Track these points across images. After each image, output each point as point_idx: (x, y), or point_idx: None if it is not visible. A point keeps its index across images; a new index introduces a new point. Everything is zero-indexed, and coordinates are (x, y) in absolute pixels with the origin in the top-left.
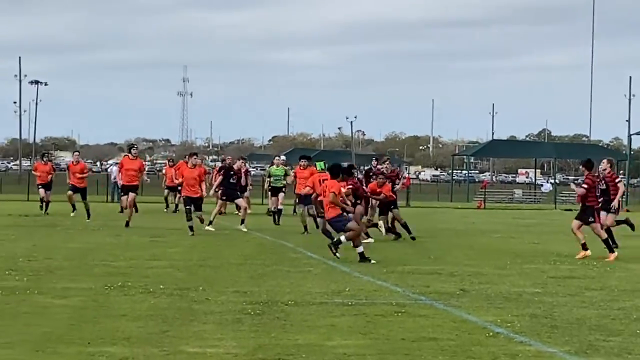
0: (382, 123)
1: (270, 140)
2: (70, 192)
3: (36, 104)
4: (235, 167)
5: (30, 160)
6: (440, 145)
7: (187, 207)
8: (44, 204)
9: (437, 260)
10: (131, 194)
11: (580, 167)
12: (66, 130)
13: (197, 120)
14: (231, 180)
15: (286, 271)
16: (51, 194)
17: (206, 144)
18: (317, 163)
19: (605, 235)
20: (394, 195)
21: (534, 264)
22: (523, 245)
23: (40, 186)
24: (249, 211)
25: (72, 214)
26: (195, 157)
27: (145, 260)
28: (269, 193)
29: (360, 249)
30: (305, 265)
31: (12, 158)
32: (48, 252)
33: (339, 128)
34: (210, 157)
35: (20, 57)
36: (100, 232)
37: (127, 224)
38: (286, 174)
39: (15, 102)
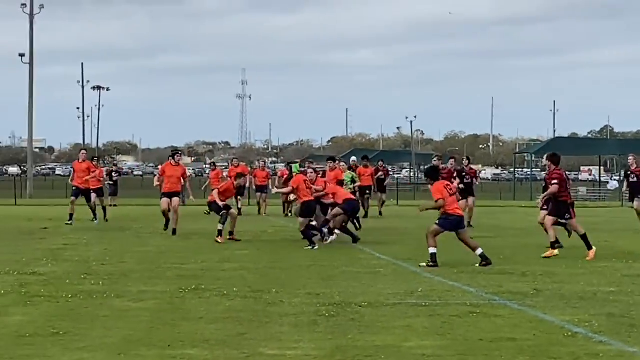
0: (441, 122)
1: (329, 142)
2: (73, 198)
3: (99, 109)
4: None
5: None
6: (501, 144)
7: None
8: (102, 209)
9: (507, 260)
10: (175, 200)
11: (544, 160)
12: (128, 134)
13: (256, 123)
14: None
15: (356, 272)
16: (104, 199)
17: (265, 146)
18: (292, 165)
19: (583, 231)
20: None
21: (606, 262)
22: (593, 243)
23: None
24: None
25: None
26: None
27: (216, 263)
28: None
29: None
30: (374, 266)
31: None
32: (120, 256)
33: (398, 128)
34: (270, 159)
35: (82, 63)
36: (169, 236)
37: (174, 232)
38: (353, 180)
39: (78, 108)
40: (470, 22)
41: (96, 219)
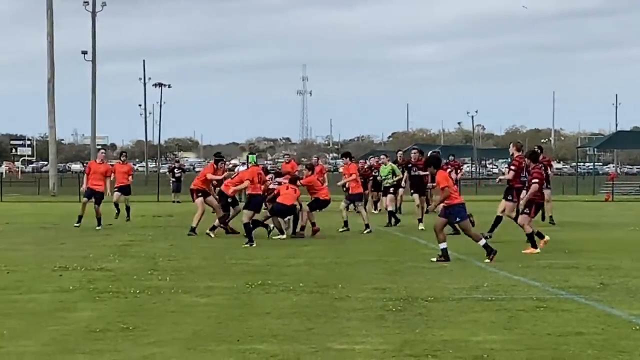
0: (502, 117)
1: (389, 137)
2: (85, 199)
3: (160, 106)
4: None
5: (156, 162)
6: (562, 138)
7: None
8: (123, 209)
9: (572, 254)
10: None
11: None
12: (189, 131)
13: (317, 119)
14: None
15: (421, 267)
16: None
17: (326, 142)
18: (249, 156)
19: (530, 230)
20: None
21: None
22: None
23: (117, 189)
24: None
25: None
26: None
27: (281, 258)
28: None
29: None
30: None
31: (137, 160)
32: (185, 252)
33: (459, 123)
34: (331, 155)
35: (144, 60)
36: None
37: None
38: (394, 172)
39: (140, 105)
40: (532, 15)
41: (100, 225)
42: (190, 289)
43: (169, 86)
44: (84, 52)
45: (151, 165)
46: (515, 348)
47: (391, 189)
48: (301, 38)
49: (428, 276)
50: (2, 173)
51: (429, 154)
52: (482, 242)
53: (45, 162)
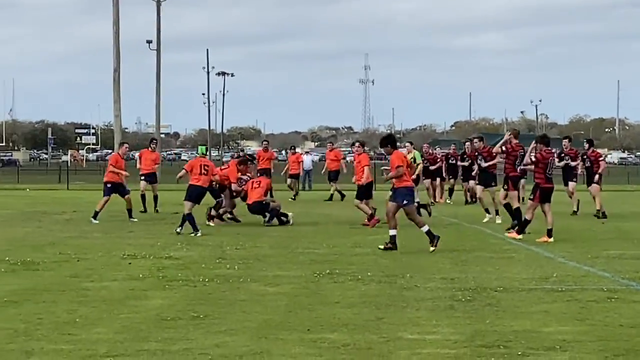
0: (566, 106)
1: (452, 126)
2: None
3: (223, 94)
4: None
5: (219, 151)
6: (627, 127)
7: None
8: (150, 198)
9: None
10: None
11: (507, 135)
12: (251, 119)
13: (379, 107)
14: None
15: (489, 257)
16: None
17: (388, 131)
18: (199, 147)
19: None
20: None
21: None
22: None
23: (142, 177)
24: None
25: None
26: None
27: (348, 247)
28: None
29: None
30: (507, 251)
31: None
32: (253, 241)
33: (522, 112)
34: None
35: (207, 50)
36: (301, 221)
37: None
38: (414, 160)
39: (203, 94)
40: (597, 4)
41: (132, 216)
42: (258, 278)
43: (232, 75)
44: (149, 42)
45: (214, 154)
46: (587, 339)
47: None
48: (364, 27)
49: (496, 266)
50: (67, 161)
51: (476, 138)
52: (425, 228)
53: (110, 150)
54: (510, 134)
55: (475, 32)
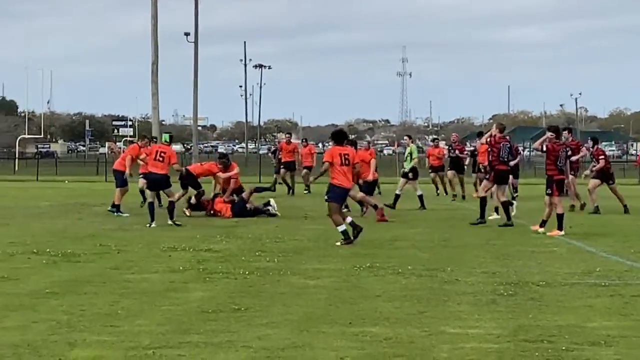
0: (605, 99)
1: (490, 119)
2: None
3: (260, 87)
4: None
5: (255, 143)
6: None
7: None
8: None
9: None
10: None
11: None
12: (288, 112)
13: (416, 100)
14: None
15: (530, 251)
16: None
17: (425, 124)
18: (164, 134)
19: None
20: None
21: None
22: None
23: (141, 175)
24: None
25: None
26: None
27: (388, 241)
28: None
29: None
30: (548, 245)
31: (237, 140)
32: (291, 234)
33: (561, 105)
34: (431, 137)
35: (245, 42)
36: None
37: None
38: (411, 154)
39: (240, 86)
40: None
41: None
42: (298, 271)
43: (269, 67)
44: (187, 34)
45: (251, 147)
46: (632, 335)
47: (410, 174)
48: (401, 19)
49: (538, 260)
50: (105, 153)
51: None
52: (342, 227)
53: None
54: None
55: (515, 24)
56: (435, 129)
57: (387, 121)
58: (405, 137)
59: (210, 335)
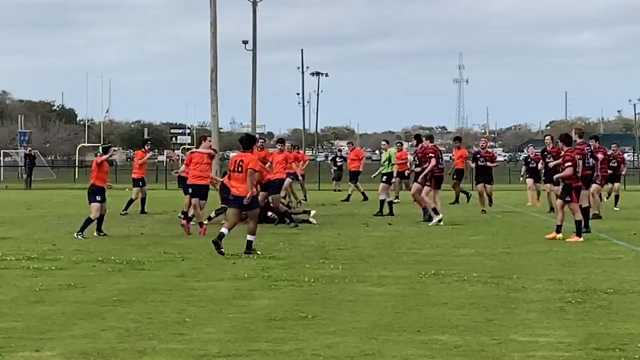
0: None
1: (547, 125)
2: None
3: (317, 94)
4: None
5: (313, 150)
6: None
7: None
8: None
9: None
10: None
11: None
12: (345, 119)
13: (473, 107)
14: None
15: (596, 258)
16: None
17: (483, 130)
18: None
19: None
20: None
21: None
22: None
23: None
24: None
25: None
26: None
27: (451, 248)
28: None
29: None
30: (613, 252)
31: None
32: (354, 241)
33: (619, 111)
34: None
35: (302, 50)
36: (401, 221)
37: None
38: (389, 160)
39: (298, 94)
40: None
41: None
42: (364, 278)
43: (326, 75)
44: (245, 42)
45: (309, 154)
46: None
47: (384, 177)
48: (458, 25)
49: (604, 267)
50: (163, 161)
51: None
52: (251, 238)
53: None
54: (575, 134)
55: (571, 30)
56: (493, 135)
57: (444, 128)
58: (383, 142)
59: (279, 343)
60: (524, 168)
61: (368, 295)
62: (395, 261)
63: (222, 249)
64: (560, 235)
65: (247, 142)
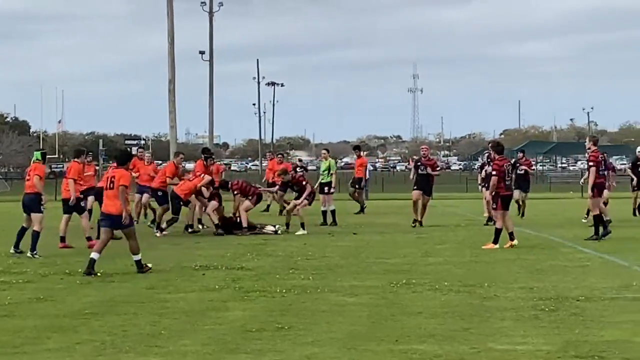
0: (615, 114)
1: (501, 134)
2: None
3: (273, 105)
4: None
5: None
6: None
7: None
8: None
9: None
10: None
11: (588, 142)
12: (300, 129)
13: (428, 116)
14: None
15: (564, 266)
16: None
17: (437, 140)
18: (35, 152)
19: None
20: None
21: None
22: None
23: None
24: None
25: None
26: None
27: (419, 257)
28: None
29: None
30: (580, 259)
31: (250, 158)
32: (321, 251)
33: (571, 119)
34: (442, 153)
35: (257, 60)
36: (364, 231)
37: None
38: (329, 169)
39: (254, 104)
40: None
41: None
42: (335, 288)
43: (282, 85)
44: (202, 52)
45: (265, 164)
46: None
47: (325, 188)
48: (412, 36)
49: (573, 275)
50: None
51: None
52: (137, 257)
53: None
54: (590, 141)
55: (524, 40)
56: (447, 144)
57: (399, 137)
58: (324, 151)
59: (257, 354)
60: (479, 176)
61: (341, 306)
62: (365, 271)
63: (94, 273)
64: (515, 242)
65: (122, 157)
